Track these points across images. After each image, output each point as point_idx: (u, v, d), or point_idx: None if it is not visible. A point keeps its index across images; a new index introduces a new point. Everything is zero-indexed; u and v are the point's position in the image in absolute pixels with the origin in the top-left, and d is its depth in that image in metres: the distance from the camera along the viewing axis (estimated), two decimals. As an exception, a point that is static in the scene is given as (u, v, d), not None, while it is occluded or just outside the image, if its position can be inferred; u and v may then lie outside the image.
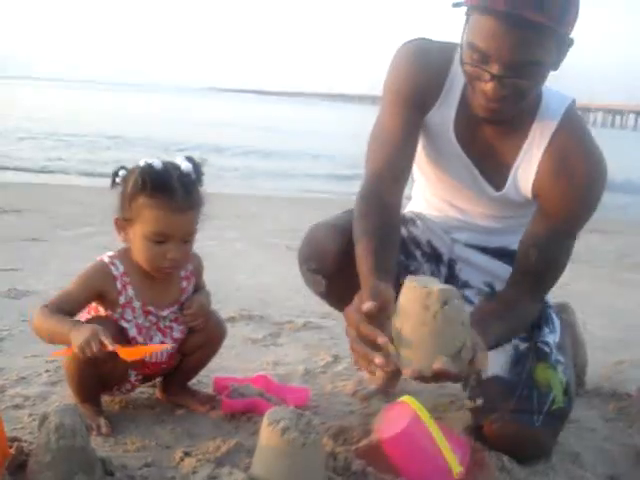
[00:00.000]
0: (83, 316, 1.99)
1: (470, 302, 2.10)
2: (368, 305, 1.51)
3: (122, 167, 1.97)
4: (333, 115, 52.22)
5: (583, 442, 2.12)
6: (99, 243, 4.73)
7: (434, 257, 2.19)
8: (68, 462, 1.54)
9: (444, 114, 1.97)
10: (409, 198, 2.27)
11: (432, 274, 2.16)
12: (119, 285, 1.96)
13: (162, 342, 2.03)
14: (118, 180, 1.95)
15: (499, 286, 2.10)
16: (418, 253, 2.17)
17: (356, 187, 1.98)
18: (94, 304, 2.00)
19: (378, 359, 1.46)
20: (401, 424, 1.69)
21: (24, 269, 3.85)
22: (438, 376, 1.48)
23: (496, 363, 1.91)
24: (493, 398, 1.90)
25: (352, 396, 2.33)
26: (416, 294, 1.46)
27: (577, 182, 1.85)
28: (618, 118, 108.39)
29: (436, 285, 1.47)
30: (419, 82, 1.95)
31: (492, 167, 1.98)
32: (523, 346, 1.97)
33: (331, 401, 2.30)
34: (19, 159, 11.62)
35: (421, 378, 1.49)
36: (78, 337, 1.77)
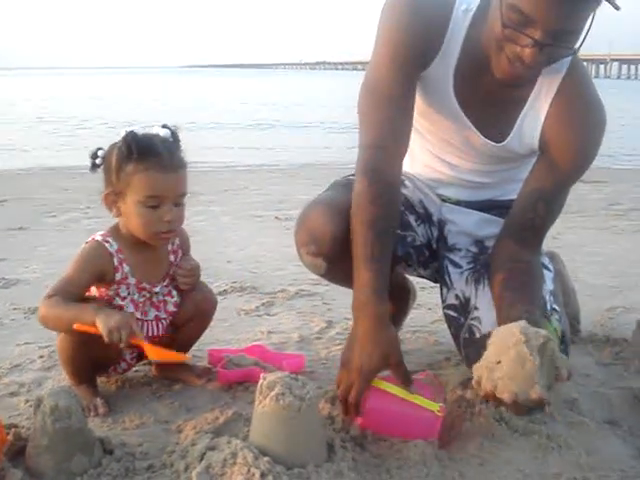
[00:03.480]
0: None
1: (458, 266, 2.11)
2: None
3: (99, 148, 1.96)
4: (316, 83, 51.93)
5: (580, 388, 2.12)
6: (85, 227, 4.73)
7: (426, 218, 2.18)
8: (66, 444, 1.54)
9: (444, 68, 1.89)
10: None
11: (426, 237, 2.17)
12: (116, 262, 1.95)
13: (157, 316, 2.05)
14: (98, 161, 1.94)
15: (490, 243, 2.09)
16: (412, 218, 2.14)
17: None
18: None
19: None
20: (365, 404, 1.74)
21: (12, 258, 3.82)
22: (535, 403, 1.61)
23: (491, 319, 1.91)
24: None
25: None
26: (518, 336, 1.61)
27: (585, 132, 1.84)
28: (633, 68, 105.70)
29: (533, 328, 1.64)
30: (420, 34, 1.83)
31: (493, 119, 1.93)
32: None
33: (327, 366, 2.30)
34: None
35: (514, 403, 1.63)
36: (108, 321, 1.75)
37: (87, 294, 1.96)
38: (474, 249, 2.14)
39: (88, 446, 1.58)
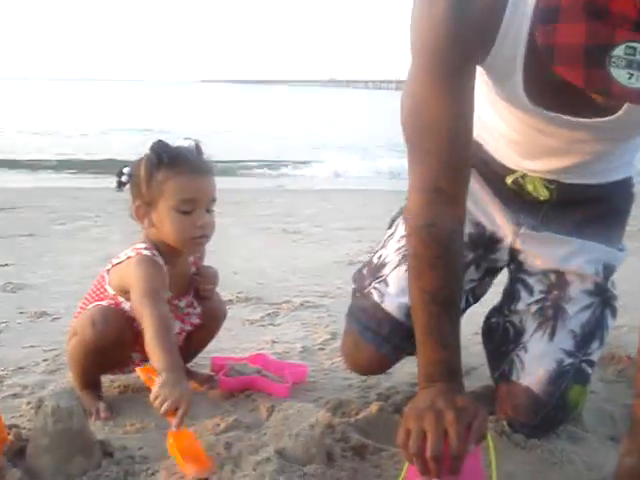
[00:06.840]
0: (96, 301, 1.97)
1: (529, 288, 1.88)
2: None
3: (124, 165, 1.97)
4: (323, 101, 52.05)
5: (584, 404, 2.12)
6: (94, 236, 4.76)
7: (490, 244, 1.93)
8: (66, 445, 1.54)
9: (505, 59, 1.44)
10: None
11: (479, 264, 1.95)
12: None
13: (181, 328, 2.04)
14: (124, 179, 1.94)
15: (571, 277, 1.87)
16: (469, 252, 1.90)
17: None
18: (112, 293, 1.95)
19: None
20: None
21: (20, 264, 3.83)
22: None
23: (533, 374, 1.78)
24: (518, 410, 1.80)
25: (350, 371, 2.33)
26: None
27: None
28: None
29: None
30: (463, 29, 1.38)
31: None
32: (567, 362, 1.78)
33: (329, 376, 2.29)
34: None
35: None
36: (166, 391, 1.62)
37: (116, 304, 1.94)
38: (551, 276, 1.88)
39: (88, 448, 1.58)
